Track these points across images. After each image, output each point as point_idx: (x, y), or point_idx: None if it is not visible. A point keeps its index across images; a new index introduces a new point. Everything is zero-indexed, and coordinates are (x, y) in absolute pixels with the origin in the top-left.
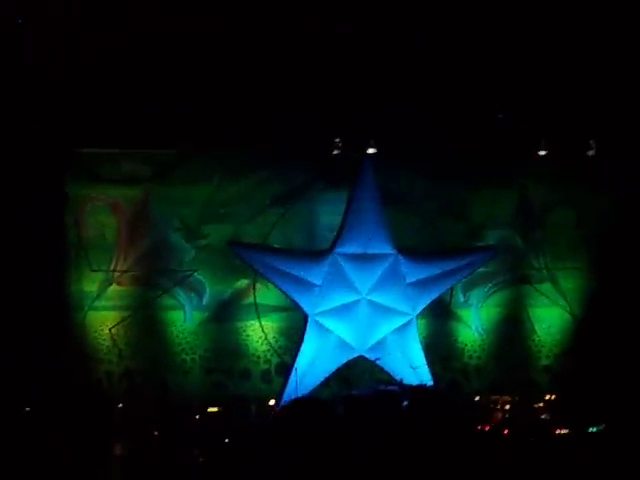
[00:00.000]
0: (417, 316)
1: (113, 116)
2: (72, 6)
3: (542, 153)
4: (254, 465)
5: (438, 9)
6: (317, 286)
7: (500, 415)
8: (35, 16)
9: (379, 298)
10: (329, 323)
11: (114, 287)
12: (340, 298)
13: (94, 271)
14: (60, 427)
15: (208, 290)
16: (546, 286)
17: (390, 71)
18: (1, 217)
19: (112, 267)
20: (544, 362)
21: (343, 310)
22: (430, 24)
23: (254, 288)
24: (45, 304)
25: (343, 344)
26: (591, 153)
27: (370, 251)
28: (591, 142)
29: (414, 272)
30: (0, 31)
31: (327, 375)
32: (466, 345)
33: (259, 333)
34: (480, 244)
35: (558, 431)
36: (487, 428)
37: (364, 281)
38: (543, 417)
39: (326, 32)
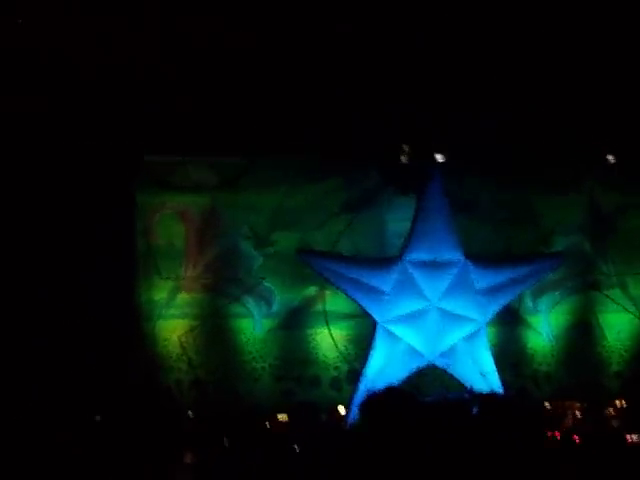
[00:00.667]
0: (487, 323)
1: (181, 123)
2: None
3: (611, 158)
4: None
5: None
6: (386, 293)
7: (570, 421)
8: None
9: (449, 305)
10: (398, 330)
11: (183, 295)
12: (409, 305)
13: (163, 279)
14: (130, 436)
15: (277, 298)
16: (615, 292)
17: (460, 79)
18: (72, 226)
19: (181, 275)
20: (614, 368)
21: (412, 317)
22: (500, 31)
23: (323, 295)
24: (115, 313)
25: (413, 351)
26: None
27: (439, 258)
28: None
29: (483, 279)
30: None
31: (397, 382)
32: (536, 352)
33: (328, 340)
34: (549, 250)
35: (629, 438)
36: (557, 434)
37: (433, 288)
38: (614, 423)
39: (396, 40)
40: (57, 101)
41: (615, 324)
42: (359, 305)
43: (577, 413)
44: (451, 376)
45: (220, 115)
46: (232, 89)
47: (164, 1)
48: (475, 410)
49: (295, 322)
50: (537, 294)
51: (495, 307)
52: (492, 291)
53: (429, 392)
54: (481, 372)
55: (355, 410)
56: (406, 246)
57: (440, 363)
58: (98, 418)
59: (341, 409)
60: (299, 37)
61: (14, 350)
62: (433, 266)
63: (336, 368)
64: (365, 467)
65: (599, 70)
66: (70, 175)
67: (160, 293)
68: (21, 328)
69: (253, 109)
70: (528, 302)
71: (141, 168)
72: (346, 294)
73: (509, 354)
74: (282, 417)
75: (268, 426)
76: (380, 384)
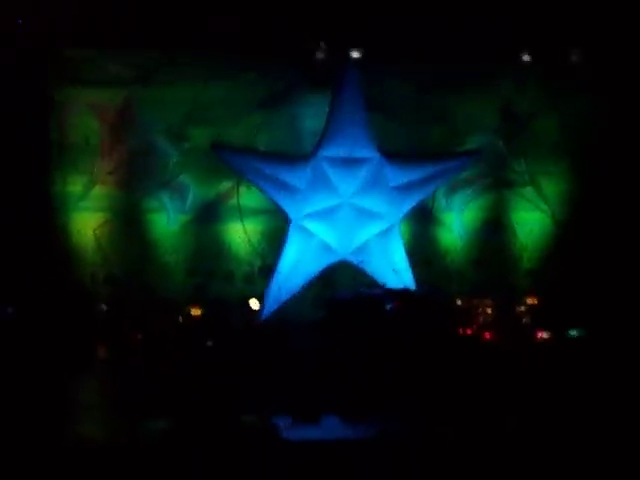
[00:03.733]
0: (400, 220)
1: (97, 16)
2: None
3: (525, 59)
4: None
5: None
6: (300, 189)
7: (482, 318)
8: None
9: (362, 202)
10: (312, 226)
11: (98, 189)
12: (323, 202)
13: (78, 173)
14: (44, 328)
15: (191, 193)
16: (528, 190)
17: None
18: None
19: (96, 169)
20: (526, 266)
21: (326, 213)
22: None
23: (237, 191)
24: (30, 206)
25: (326, 247)
26: (574, 59)
27: (354, 155)
28: (574, 50)
29: (398, 176)
30: None
31: (310, 278)
32: (448, 249)
33: (242, 235)
34: (463, 149)
35: (539, 334)
36: (469, 331)
37: (347, 185)
38: (524, 321)
39: None
40: None
41: (527, 222)
42: (273, 201)
43: (488, 310)
44: (364, 272)
45: (136, 8)
46: None
47: None
48: (388, 306)
49: (209, 217)
50: (450, 192)
51: (408, 204)
52: (406, 188)
53: (343, 288)
54: (394, 269)
55: (269, 305)
56: (320, 142)
57: (353, 259)
58: (10, 310)
59: (253, 303)
60: None
61: None
62: (347, 163)
63: (249, 263)
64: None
65: None
66: None
67: (75, 186)
68: None
69: (170, 2)
70: (441, 200)
71: (56, 62)
72: (260, 190)
73: (422, 251)
74: (195, 311)
75: (181, 320)
76: (293, 279)
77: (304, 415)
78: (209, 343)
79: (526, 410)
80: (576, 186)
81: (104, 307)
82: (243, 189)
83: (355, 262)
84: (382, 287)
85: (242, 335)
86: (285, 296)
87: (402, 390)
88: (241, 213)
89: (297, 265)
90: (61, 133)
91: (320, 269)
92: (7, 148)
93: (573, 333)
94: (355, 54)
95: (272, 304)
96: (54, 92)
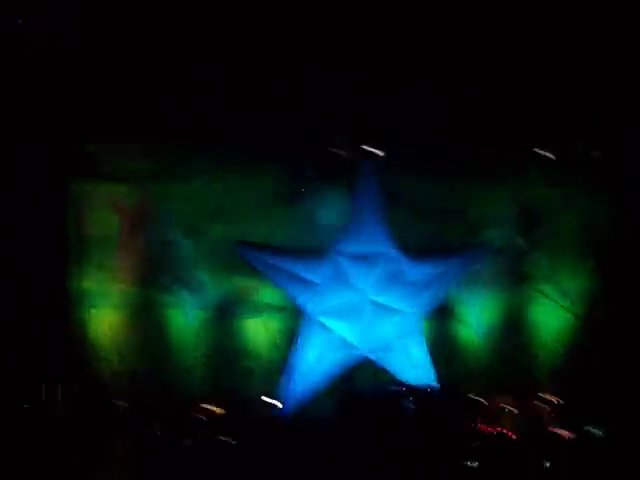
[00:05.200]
0: (419, 316)
1: (116, 111)
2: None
3: (545, 153)
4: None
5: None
6: (318, 285)
7: (502, 416)
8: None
9: (381, 297)
10: (331, 323)
11: (115, 285)
12: (341, 297)
13: (95, 268)
14: (60, 425)
15: (209, 289)
16: (547, 286)
17: (392, 70)
18: (3, 212)
19: (113, 264)
20: (546, 362)
21: (345, 310)
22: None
23: (255, 286)
24: (46, 302)
25: (345, 344)
26: (594, 154)
27: (371, 250)
28: (593, 143)
29: (415, 271)
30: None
31: (329, 375)
32: (467, 345)
33: (261, 332)
34: (481, 243)
35: (561, 432)
36: (489, 429)
37: (365, 280)
38: (545, 418)
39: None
40: None
41: (547, 318)
42: (291, 297)
43: (508, 407)
44: (384, 369)
45: (155, 103)
46: (166, 77)
47: None
48: (410, 403)
49: (227, 313)
50: (469, 288)
51: (427, 299)
52: (424, 283)
53: (363, 385)
54: (415, 365)
55: (288, 402)
56: (338, 238)
57: (373, 356)
58: (26, 406)
59: (272, 400)
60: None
61: None
62: (365, 258)
63: (269, 360)
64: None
65: (531, 64)
66: (3, 161)
67: (91, 283)
68: None
69: (187, 97)
70: (459, 295)
71: (75, 155)
72: (278, 285)
73: (441, 347)
74: (214, 408)
75: (201, 417)
76: (313, 376)
77: None
78: (228, 440)
79: None
80: (596, 281)
81: (122, 404)
82: (261, 285)
83: (374, 359)
84: (402, 384)
85: (261, 432)
86: (304, 393)
87: None
88: (259, 309)
89: (316, 362)
90: (79, 228)
91: (340, 366)
92: (24, 243)
93: (595, 431)
94: (372, 149)
95: (291, 401)
96: (72, 186)
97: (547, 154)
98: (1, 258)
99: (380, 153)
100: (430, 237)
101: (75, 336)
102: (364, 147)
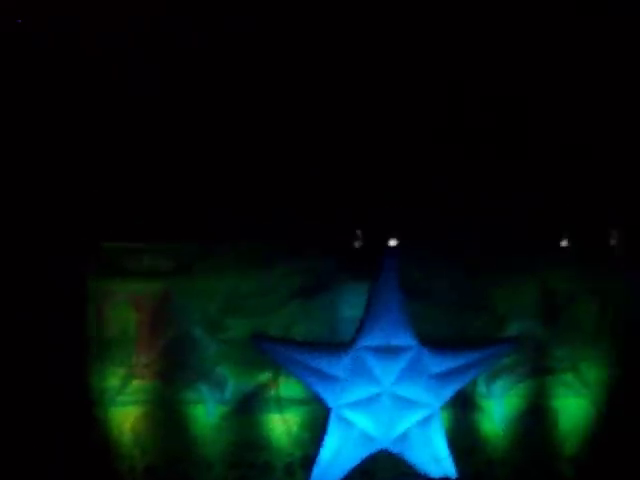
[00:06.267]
0: (440, 408)
1: (135, 210)
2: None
3: (564, 244)
4: None
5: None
6: (340, 379)
7: None
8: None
9: (402, 390)
10: (352, 416)
11: (136, 382)
12: (363, 391)
13: (115, 366)
14: None
15: (230, 384)
16: (569, 377)
17: (413, 166)
18: (22, 309)
19: (134, 362)
20: (568, 453)
21: (366, 403)
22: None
23: (276, 381)
24: (66, 400)
25: (366, 437)
26: (613, 242)
27: (392, 343)
28: (613, 232)
29: (437, 364)
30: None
31: (351, 468)
32: (489, 437)
33: (282, 426)
34: (503, 335)
35: None
36: None
37: (387, 373)
38: None
39: (346, 126)
40: (12, 180)
41: (568, 409)
42: (312, 391)
43: None
44: (405, 462)
45: (173, 202)
46: (184, 176)
47: None
48: None
49: (248, 408)
50: (490, 379)
51: (449, 392)
52: (446, 376)
53: (383, 478)
54: (435, 457)
55: None
56: (359, 332)
57: (394, 448)
58: None
59: None
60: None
61: None
62: (386, 351)
63: (290, 454)
64: None
65: (551, 156)
66: (22, 258)
67: (112, 380)
68: None
69: (207, 196)
70: (481, 387)
71: (94, 254)
72: (299, 380)
73: (462, 439)
74: None
75: None
76: (334, 469)
77: None
78: None
79: None
80: (618, 372)
81: None
82: (282, 379)
83: (395, 451)
84: (423, 477)
85: None
86: None
87: None
88: (280, 403)
89: (338, 455)
90: (99, 326)
91: (361, 458)
92: (44, 341)
93: None
94: (393, 242)
95: None
96: (93, 284)
97: (565, 244)
98: (23, 355)
99: (401, 246)
100: (452, 330)
101: (97, 435)
102: (384, 239)
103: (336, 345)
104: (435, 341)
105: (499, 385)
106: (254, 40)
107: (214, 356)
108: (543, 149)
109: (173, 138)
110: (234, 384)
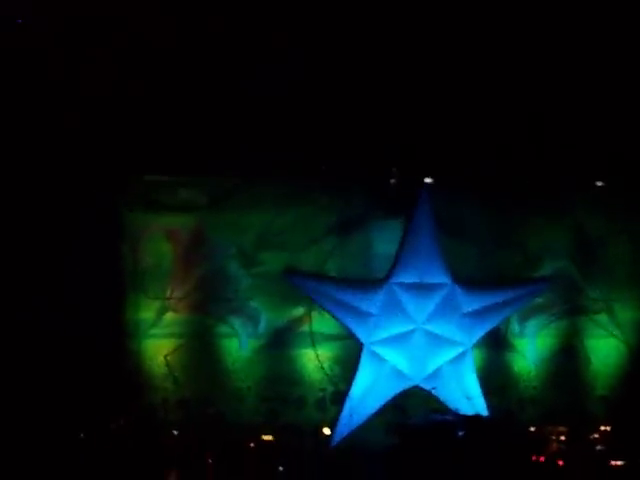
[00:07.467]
0: (473, 346)
1: (170, 144)
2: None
3: (599, 184)
4: None
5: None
6: (373, 315)
7: (555, 446)
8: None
9: (435, 328)
10: (384, 352)
11: (170, 315)
12: (396, 327)
13: (150, 299)
14: (115, 454)
15: (263, 318)
16: (602, 317)
17: (447, 103)
18: (59, 243)
19: (168, 294)
20: (600, 393)
21: (399, 339)
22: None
23: (310, 316)
24: (102, 331)
25: (398, 373)
26: None
27: (426, 281)
28: None
29: (470, 302)
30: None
31: (382, 404)
32: (521, 375)
33: (314, 361)
34: (536, 275)
35: (613, 462)
36: (542, 459)
37: (420, 311)
38: (598, 448)
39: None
40: (50, 119)
41: (601, 349)
42: (345, 327)
43: (562, 437)
44: (437, 399)
45: (210, 135)
46: (221, 111)
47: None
48: (460, 433)
49: (281, 342)
50: (524, 318)
51: (481, 330)
52: (478, 314)
53: (415, 414)
54: (466, 395)
55: (340, 430)
56: (393, 268)
57: (425, 385)
58: (82, 435)
59: (326, 430)
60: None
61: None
62: (420, 288)
63: (322, 389)
64: None
65: (586, 97)
66: (60, 193)
67: (147, 312)
68: (7, 343)
69: (242, 130)
70: (514, 326)
71: (130, 187)
72: (332, 315)
73: (495, 377)
74: (267, 437)
75: (252, 446)
76: (365, 405)
77: None
78: (280, 469)
79: None
80: None
81: (175, 432)
82: (315, 315)
83: (427, 388)
84: (454, 413)
85: (314, 461)
86: (357, 422)
87: None
88: (313, 339)
89: (369, 391)
90: (134, 259)
91: (392, 395)
92: (80, 274)
93: None
94: (428, 180)
95: (344, 430)
96: (128, 217)
97: (599, 185)
98: (59, 288)
99: (436, 183)
100: (486, 269)
101: (131, 366)
102: (422, 178)
103: (370, 281)
104: (469, 279)
105: (532, 324)
106: None
107: (247, 290)
108: (579, 88)
109: (210, 75)
110: (267, 318)
